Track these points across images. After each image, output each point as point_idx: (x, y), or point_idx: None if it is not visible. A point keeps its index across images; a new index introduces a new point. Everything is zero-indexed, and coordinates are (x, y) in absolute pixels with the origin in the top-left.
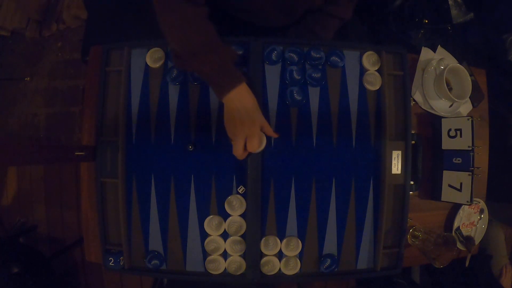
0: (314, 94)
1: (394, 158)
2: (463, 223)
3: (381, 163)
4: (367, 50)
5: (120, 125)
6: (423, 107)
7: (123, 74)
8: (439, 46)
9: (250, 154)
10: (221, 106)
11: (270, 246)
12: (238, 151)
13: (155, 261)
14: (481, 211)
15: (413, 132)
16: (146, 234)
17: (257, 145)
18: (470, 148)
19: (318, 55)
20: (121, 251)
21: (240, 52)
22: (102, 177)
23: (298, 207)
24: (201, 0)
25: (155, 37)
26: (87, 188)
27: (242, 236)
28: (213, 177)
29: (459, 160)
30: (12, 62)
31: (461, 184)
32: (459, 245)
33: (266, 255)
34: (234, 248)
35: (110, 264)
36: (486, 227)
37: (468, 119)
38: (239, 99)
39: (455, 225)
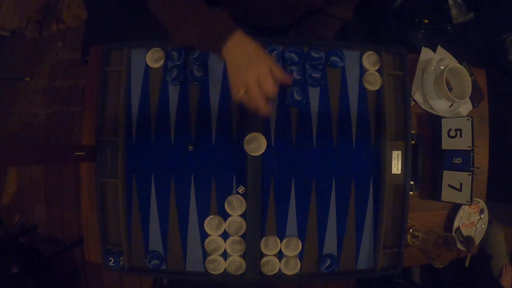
0: (314, 94)
1: (394, 158)
2: (463, 223)
3: (381, 163)
4: (367, 50)
5: (120, 125)
6: (423, 107)
7: (123, 74)
8: (439, 46)
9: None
10: (221, 106)
11: (270, 246)
12: (257, 98)
13: (155, 261)
14: (481, 211)
15: (413, 132)
16: (146, 234)
17: (273, 84)
18: (470, 148)
19: (318, 55)
20: (121, 251)
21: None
22: (102, 177)
23: (298, 207)
24: None
25: (155, 37)
26: (87, 188)
27: (242, 236)
28: (213, 177)
29: (459, 160)
30: (12, 62)
31: (461, 184)
32: (459, 245)
33: (266, 255)
34: (234, 248)
35: (110, 264)
36: (486, 227)
37: (468, 119)
38: (238, 46)
39: (455, 225)
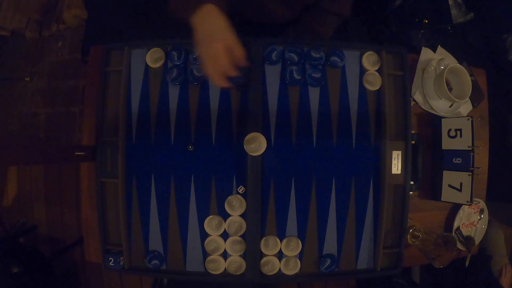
0: (314, 94)
1: (394, 158)
2: (463, 223)
3: (381, 163)
4: (367, 50)
5: (120, 125)
6: (423, 107)
7: (123, 74)
8: (439, 46)
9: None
10: (221, 106)
11: (270, 246)
12: (209, 72)
13: (155, 261)
14: (481, 211)
15: (413, 132)
16: (146, 234)
17: (227, 63)
18: (470, 148)
19: (318, 55)
20: (121, 251)
21: None
22: (102, 177)
23: (298, 207)
24: None
25: (155, 37)
26: (87, 188)
27: (242, 236)
28: (213, 177)
29: (459, 160)
30: (12, 62)
31: (461, 184)
32: (459, 245)
33: (266, 255)
34: (234, 248)
35: (110, 264)
36: (486, 227)
37: (468, 119)
38: (205, 19)
39: (455, 225)
